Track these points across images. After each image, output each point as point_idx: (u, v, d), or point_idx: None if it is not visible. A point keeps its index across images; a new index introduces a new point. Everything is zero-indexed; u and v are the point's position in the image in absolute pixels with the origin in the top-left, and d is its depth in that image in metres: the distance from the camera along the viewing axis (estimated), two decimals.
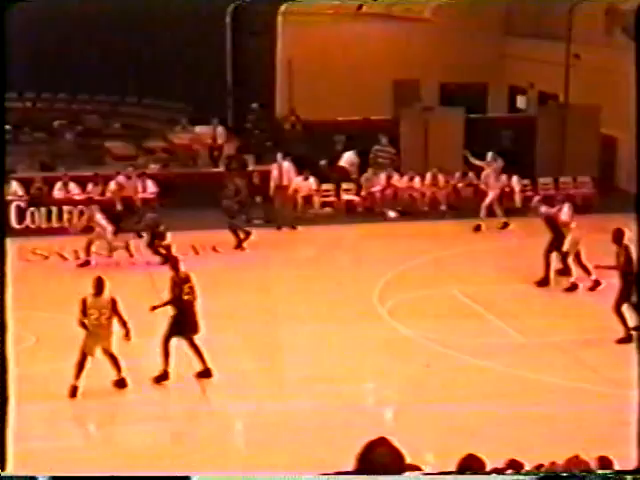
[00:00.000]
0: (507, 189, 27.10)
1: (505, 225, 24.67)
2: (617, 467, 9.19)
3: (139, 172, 26.04)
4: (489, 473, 8.21)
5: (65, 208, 24.66)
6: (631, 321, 16.78)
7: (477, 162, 25.51)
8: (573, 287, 19.79)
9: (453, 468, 8.09)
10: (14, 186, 24.61)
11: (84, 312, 14.90)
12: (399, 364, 16.55)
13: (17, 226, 24.07)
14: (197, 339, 15.66)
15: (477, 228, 24.59)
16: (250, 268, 21.92)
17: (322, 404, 14.85)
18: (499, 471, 8.62)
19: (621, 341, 16.78)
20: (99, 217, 22.36)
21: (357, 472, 5.41)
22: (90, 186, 25.45)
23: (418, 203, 26.84)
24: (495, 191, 25.09)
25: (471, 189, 26.48)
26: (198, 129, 29.53)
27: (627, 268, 17.03)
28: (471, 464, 7.96)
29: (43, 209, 24.59)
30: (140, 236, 23.74)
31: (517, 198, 27.03)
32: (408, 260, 21.90)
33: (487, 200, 24.96)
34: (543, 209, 20.87)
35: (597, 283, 19.53)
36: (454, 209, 26.22)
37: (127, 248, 22.26)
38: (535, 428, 13.91)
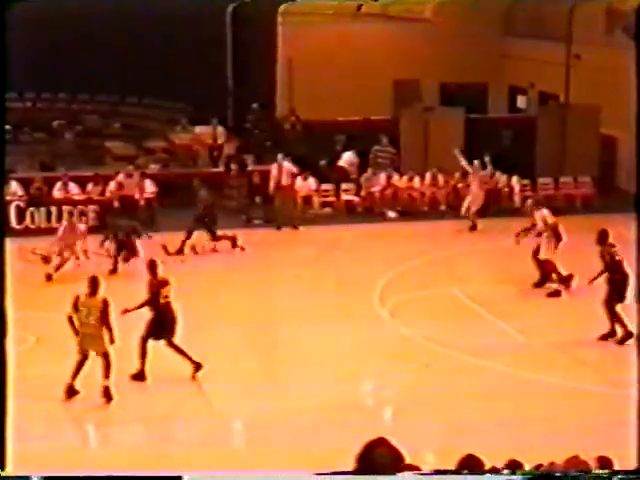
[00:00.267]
0: (507, 189, 27.15)
1: (474, 227, 24.58)
2: (617, 467, 9.18)
3: (140, 171, 26.04)
4: (489, 473, 8.21)
5: (65, 208, 24.65)
6: (628, 320, 16.75)
7: (464, 164, 25.38)
8: (555, 293, 19.70)
9: (452, 468, 8.08)
10: (14, 186, 24.60)
11: (75, 308, 14.91)
12: (399, 364, 16.55)
13: (17, 226, 24.06)
14: (198, 339, 15.66)
15: (473, 227, 24.64)
16: (250, 268, 21.92)
17: (322, 404, 14.85)
18: (498, 471, 8.61)
19: (622, 341, 16.77)
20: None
21: (357, 472, 5.41)
22: (90, 186, 25.44)
23: (418, 203, 26.84)
24: (477, 200, 24.76)
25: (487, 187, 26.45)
26: (198, 129, 29.53)
27: (613, 269, 16.90)
28: (470, 464, 7.95)
29: (43, 209, 24.58)
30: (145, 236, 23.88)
31: (517, 198, 27.05)
32: (408, 260, 21.90)
33: (465, 203, 24.84)
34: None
35: (558, 292, 19.59)
36: (454, 209, 26.21)
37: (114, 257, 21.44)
38: (535, 428, 13.91)
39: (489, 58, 31.60)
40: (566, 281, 19.71)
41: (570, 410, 14.70)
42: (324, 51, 30.63)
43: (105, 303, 14.79)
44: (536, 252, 19.99)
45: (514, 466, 9.03)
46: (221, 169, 27.35)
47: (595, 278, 17.17)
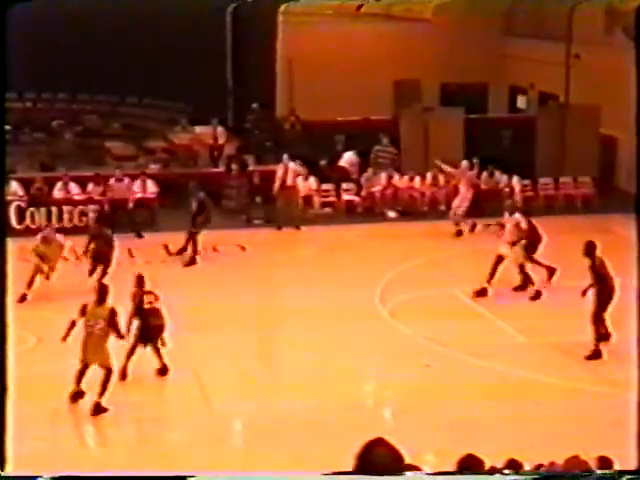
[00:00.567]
0: (507, 189, 27.13)
1: (459, 233, 24.10)
2: (617, 467, 9.19)
3: (131, 173, 26.06)
4: (488, 473, 8.21)
5: (65, 208, 24.67)
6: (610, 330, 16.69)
7: (448, 169, 25.29)
8: (537, 295, 19.65)
9: (453, 468, 8.09)
10: (14, 186, 24.61)
11: (82, 315, 14.65)
12: (399, 364, 16.55)
13: (17, 226, 24.06)
14: (198, 339, 15.66)
15: (459, 233, 24.17)
16: (250, 268, 21.92)
17: (322, 404, 14.85)
18: (498, 471, 8.62)
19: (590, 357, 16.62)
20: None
21: (356, 472, 5.41)
22: (90, 186, 25.45)
23: (418, 203, 26.83)
24: (464, 202, 24.31)
25: (471, 189, 26.44)
26: (198, 129, 29.52)
27: (602, 282, 16.64)
28: (470, 464, 7.96)
29: (43, 209, 24.58)
30: (140, 236, 23.93)
31: (517, 198, 27.03)
32: (408, 260, 21.90)
33: (454, 204, 24.43)
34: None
35: (539, 294, 19.55)
36: None
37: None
38: (535, 428, 13.91)
39: (489, 58, 31.60)
40: (529, 281, 19.75)
41: (570, 410, 14.70)
42: (324, 51, 30.62)
43: (113, 312, 14.56)
44: (499, 261, 19.77)
45: (514, 466, 9.04)
46: (221, 169, 27.35)
47: (586, 290, 16.95)
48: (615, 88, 24.55)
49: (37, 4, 29.53)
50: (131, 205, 24.93)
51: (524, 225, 20.02)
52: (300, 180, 26.10)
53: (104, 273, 19.46)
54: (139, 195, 25.53)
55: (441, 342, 17.40)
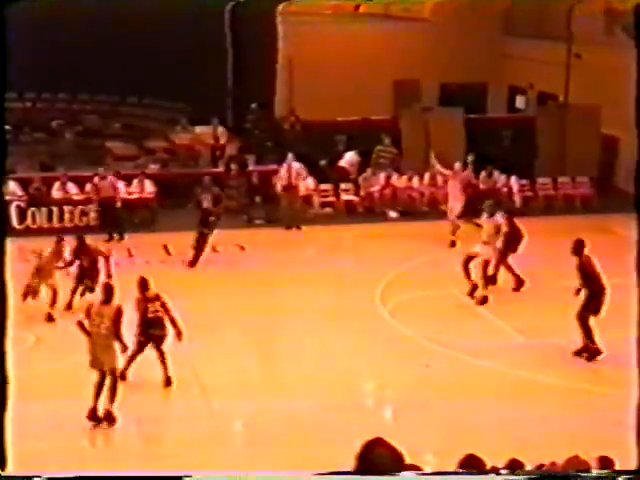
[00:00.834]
0: (506, 189, 27.15)
1: (453, 244, 23.09)
2: (618, 467, 9.19)
3: (131, 173, 26.05)
4: (489, 473, 8.21)
5: (65, 208, 24.67)
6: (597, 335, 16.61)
7: (442, 169, 25.12)
8: (484, 300, 19.49)
9: (453, 468, 8.09)
10: (14, 186, 24.61)
11: (88, 315, 14.42)
12: (399, 364, 16.55)
13: (17, 226, 24.08)
14: (198, 339, 15.65)
15: (452, 244, 23.12)
16: (250, 268, 21.91)
17: (322, 404, 14.85)
18: (499, 471, 8.61)
19: (578, 352, 16.53)
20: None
21: (356, 472, 5.41)
22: (89, 186, 25.42)
23: (418, 203, 26.83)
24: (458, 203, 23.50)
25: (471, 189, 26.43)
26: (198, 129, 29.52)
27: (591, 281, 16.52)
28: (471, 464, 7.96)
29: (43, 209, 24.60)
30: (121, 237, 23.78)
31: (516, 198, 27.06)
32: (408, 260, 21.90)
33: (449, 207, 23.67)
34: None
35: (486, 299, 19.38)
36: None
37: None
38: (535, 428, 13.92)
39: (489, 58, 31.59)
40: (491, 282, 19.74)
41: (570, 410, 14.70)
42: (324, 51, 30.61)
43: (118, 311, 14.29)
44: (469, 260, 19.68)
45: (514, 466, 9.04)
46: (221, 169, 27.35)
47: (579, 290, 16.83)
48: (615, 88, 24.54)
49: (37, 4, 29.53)
50: (119, 204, 24.69)
51: (504, 228, 19.83)
52: (301, 180, 26.12)
53: (91, 290, 18.52)
54: (136, 195, 25.54)
55: (441, 342, 17.41)
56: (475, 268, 19.70)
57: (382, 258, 22.11)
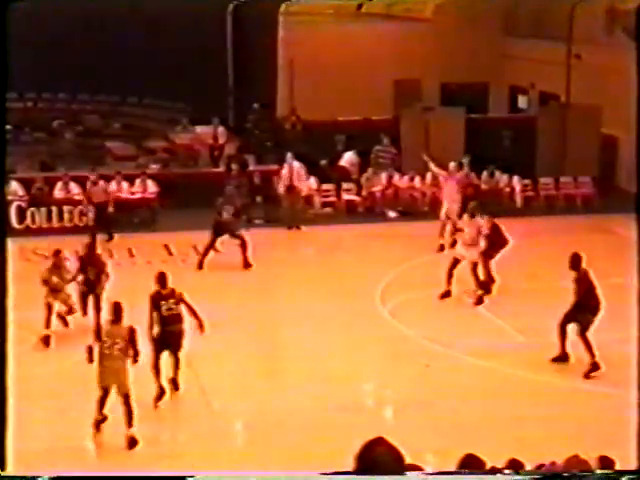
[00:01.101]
0: (507, 189, 27.16)
1: (442, 248, 22.22)
2: (618, 467, 9.19)
3: (131, 173, 26.05)
4: (489, 473, 8.21)
5: (65, 208, 24.68)
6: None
7: (436, 170, 24.89)
8: (480, 300, 19.42)
9: (453, 468, 8.08)
10: (14, 186, 24.62)
11: (98, 338, 13.80)
12: (399, 364, 16.55)
13: (18, 226, 24.08)
14: (198, 339, 15.63)
15: (441, 248, 22.27)
16: (250, 268, 21.90)
17: (322, 404, 14.85)
18: (499, 471, 8.61)
19: (589, 373, 16.07)
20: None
21: (356, 472, 5.41)
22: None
23: (419, 203, 26.83)
24: (455, 204, 22.68)
25: (471, 189, 26.44)
26: (199, 129, 29.53)
27: (589, 296, 16.20)
28: (471, 464, 7.95)
29: (43, 209, 24.60)
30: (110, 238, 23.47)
31: (518, 198, 27.07)
32: (409, 260, 21.89)
33: (443, 211, 22.93)
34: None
35: (482, 299, 19.37)
36: None
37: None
38: (535, 428, 13.91)
39: (489, 58, 31.59)
40: (486, 286, 19.64)
41: (570, 410, 14.70)
42: (325, 51, 30.61)
43: (132, 330, 13.76)
44: (455, 263, 19.53)
45: (514, 466, 9.04)
46: (221, 169, 27.36)
47: (576, 303, 16.39)
48: (616, 88, 24.58)
49: (37, 4, 29.55)
50: (111, 209, 24.48)
51: (486, 230, 19.73)
52: (302, 180, 26.13)
53: (98, 308, 17.36)
54: (138, 195, 25.57)
55: (441, 342, 17.40)
56: (462, 272, 19.61)
57: (382, 258, 22.11)
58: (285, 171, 25.77)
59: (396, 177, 27.13)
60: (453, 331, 17.97)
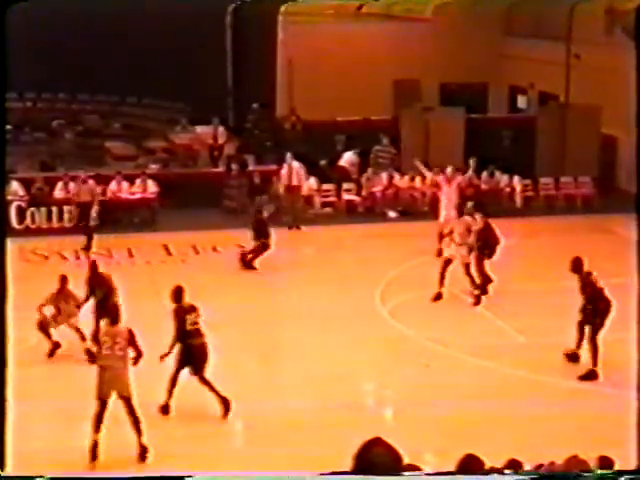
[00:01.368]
0: (507, 189, 27.17)
1: (440, 253, 20.68)
2: (618, 467, 9.19)
3: (131, 173, 26.04)
4: (489, 473, 8.21)
5: (65, 208, 24.68)
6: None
7: (427, 174, 24.79)
8: (478, 300, 19.34)
9: (452, 468, 8.08)
10: (15, 186, 24.63)
11: (95, 339, 13.62)
12: (399, 364, 16.55)
13: (17, 226, 24.09)
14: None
15: (439, 253, 20.70)
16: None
17: (322, 404, 14.85)
18: (498, 471, 8.61)
19: (585, 377, 15.97)
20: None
21: (356, 472, 5.41)
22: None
23: (419, 203, 26.83)
24: (453, 210, 21.80)
25: (472, 189, 26.44)
26: (199, 129, 29.54)
27: (596, 298, 16.12)
28: (471, 464, 7.95)
29: (43, 209, 24.60)
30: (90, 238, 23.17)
31: (518, 198, 27.07)
32: (409, 260, 21.89)
33: (441, 216, 22.16)
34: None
35: (479, 299, 19.26)
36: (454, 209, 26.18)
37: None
38: (535, 428, 13.91)
39: (489, 58, 31.60)
40: (482, 286, 19.63)
41: (570, 410, 14.70)
42: (324, 51, 30.62)
43: (131, 332, 13.47)
44: (446, 264, 19.46)
45: (514, 466, 9.04)
46: (221, 169, 27.37)
47: (585, 308, 16.23)
48: (615, 88, 24.55)
49: (37, 4, 29.54)
50: (95, 208, 23.94)
51: (475, 227, 19.66)
52: (302, 180, 26.13)
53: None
54: (138, 195, 25.57)
55: (441, 342, 17.40)
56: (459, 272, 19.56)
57: (382, 258, 22.11)
58: (285, 171, 25.80)
59: (396, 177, 27.14)
60: (453, 331, 17.97)
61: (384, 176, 27.03)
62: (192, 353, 14.44)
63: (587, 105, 28.22)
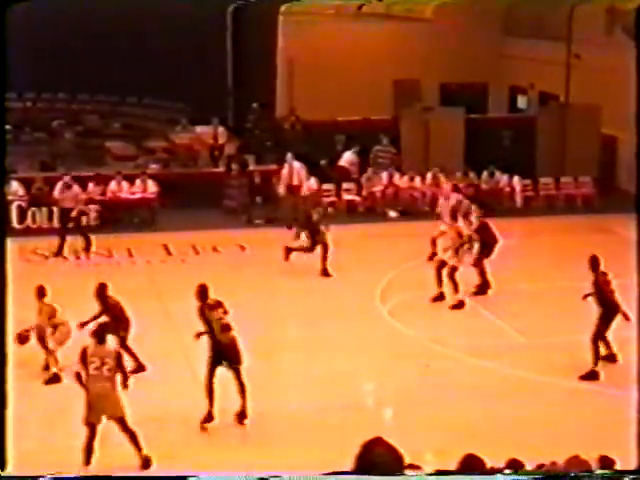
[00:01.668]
0: (507, 189, 27.17)
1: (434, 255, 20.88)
2: (618, 467, 9.19)
3: (131, 173, 26.04)
4: (489, 473, 8.21)
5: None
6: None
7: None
8: (460, 304, 19.17)
9: (453, 468, 8.08)
10: (15, 186, 24.62)
11: (83, 361, 12.98)
12: (399, 364, 16.55)
13: (18, 226, 24.09)
14: (200, 339, 15.62)
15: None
16: (250, 268, 21.91)
17: (322, 404, 14.85)
18: (499, 471, 8.61)
19: (585, 377, 15.92)
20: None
21: (356, 472, 5.41)
22: (91, 186, 25.43)
23: (419, 203, 26.83)
24: (445, 215, 21.12)
25: (472, 189, 26.46)
26: (199, 129, 29.54)
27: (605, 299, 16.12)
28: (471, 464, 7.95)
29: (44, 209, 24.59)
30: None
31: (518, 198, 27.07)
32: (409, 260, 21.88)
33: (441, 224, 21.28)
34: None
35: (462, 303, 19.09)
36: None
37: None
38: (535, 428, 13.90)
39: (489, 58, 31.61)
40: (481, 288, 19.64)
41: (570, 410, 14.70)
42: (324, 51, 30.63)
43: (119, 353, 13.31)
44: (441, 266, 19.41)
45: (514, 466, 9.03)
46: (221, 169, 27.36)
47: (588, 295, 16.39)
48: (615, 88, 24.57)
49: (37, 4, 29.55)
50: (74, 213, 23.31)
51: (466, 231, 19.60)
52: (303, 180, 26.13)
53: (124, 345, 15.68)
54: (138, 195, 25.57)
55: (441, 342, 17.40)
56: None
57: (382, 258, 22.10)
58: (285, 171, 25.80)
59: (396, 177, 27.13)
60: (453, 331, 17.97)
61: (384, 176, 27.03)
62: (222, 349, 14.29)
63: (587, 105, 28.22)
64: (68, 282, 19.84)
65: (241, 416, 14.40)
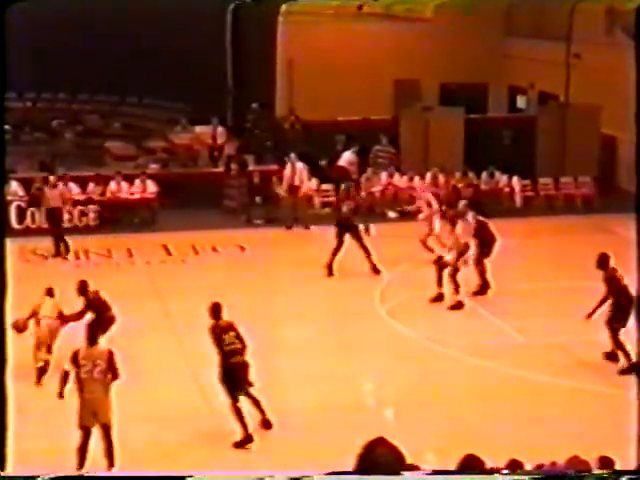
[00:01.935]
0: (507, 189, 27.17)
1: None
2: (618, 467, 9.19)
3: (131, 173, 26.03)
4: (489, 473, 8.20)
5: (65, 208, 24.64)
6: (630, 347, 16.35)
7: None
8: (458, 305, 19.13)
9: (453, 468, 8.08)
10: (14, 186, 24.61)
11: (75, 363, 12.79)
12: (399, 364, 16.55)
13: (17, 226, 24.08)
14: (198, 339, 15.62)
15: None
16: (250, 268, 21.91)
17: (322, 404, 14.85)
18: (499, 471, 8.61)
19: (624, 372, 15.75)
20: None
21: (357, 472, 5.41)
22: (91, 186, 25.44)
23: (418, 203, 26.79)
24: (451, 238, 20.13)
25: (471, 189, 26.46)
26: (198, 129, 29.54)
27: (619, 293, 16.07)
28: (471, 464, 7.95)
29: (43, 209, 24.57)
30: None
31: (517, 198, 27.06)
32: (408, 260, 21.87)
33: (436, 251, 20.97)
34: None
35: (460, 304, 19.07)
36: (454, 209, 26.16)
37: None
38: (535, 428, 13.90)
39: (489, 58, 31.61)
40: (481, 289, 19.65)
41: (570, 410, 14.70)
42: (324, 51, 30.63)
43: (111, 353, 12.90)
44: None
45: (514, 466, 9.03)
46: (221, 169, 27.36)
47: (595, 309, 16.24)
48: (615, 88, 24.56)
49: (37, 4, 29.53)
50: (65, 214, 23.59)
51: (459, 231, 19.52)
52: (304, 180, 26.13)
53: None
54: (137, 195, 25.57)
55: (441, 342, 17.40)
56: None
57: (382, 258, 22.08)
58: (288, 171, 25.78)
59: (396, 177, 27.13)
60: (453, 331, 17.97)
61: (384, 176, 27.02)
62: (233, 373, 13.95)
63: (587, 105, 28.22)
64: (68, 282, 19.81)
65: (266, 424, 14.13)
